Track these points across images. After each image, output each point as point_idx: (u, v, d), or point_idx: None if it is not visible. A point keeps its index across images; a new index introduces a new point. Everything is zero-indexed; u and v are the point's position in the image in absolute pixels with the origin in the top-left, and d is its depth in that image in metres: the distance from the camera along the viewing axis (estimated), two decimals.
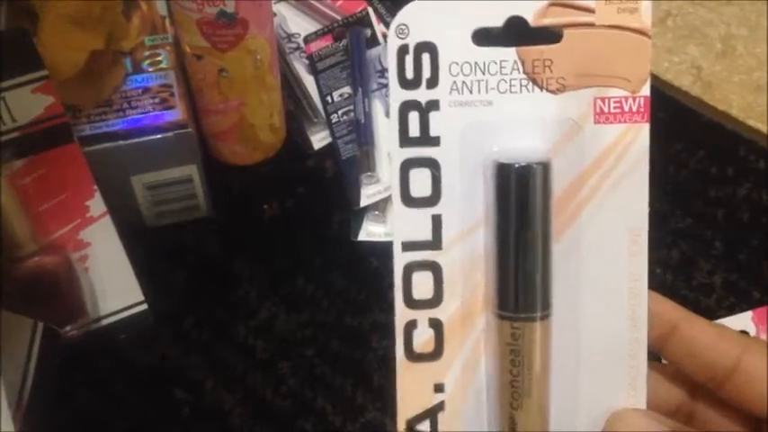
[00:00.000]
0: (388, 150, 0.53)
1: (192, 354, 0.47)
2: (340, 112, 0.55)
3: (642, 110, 0.27)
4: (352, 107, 0.55)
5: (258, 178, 0.54)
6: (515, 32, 0.27)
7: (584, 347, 0.28)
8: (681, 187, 0.54)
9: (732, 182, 0.54)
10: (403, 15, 0.27)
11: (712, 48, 0.61)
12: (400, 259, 0.28)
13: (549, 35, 0.27)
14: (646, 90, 0.27)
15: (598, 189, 0.28)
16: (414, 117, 0.28)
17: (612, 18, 0.27)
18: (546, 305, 0.28)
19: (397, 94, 0.27)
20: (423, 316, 0.28)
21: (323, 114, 0.55)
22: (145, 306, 0.47)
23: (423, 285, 0.28)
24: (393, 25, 0.27)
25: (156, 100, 0.48)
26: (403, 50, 0.27)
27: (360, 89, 0.54)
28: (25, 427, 0.39)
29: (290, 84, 0.57)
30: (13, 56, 0.42)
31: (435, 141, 0.28)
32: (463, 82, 0.27)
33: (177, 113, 0.47)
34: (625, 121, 0.27)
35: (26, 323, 0.42)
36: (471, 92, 0.27)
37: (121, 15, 0.49)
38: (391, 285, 0.51)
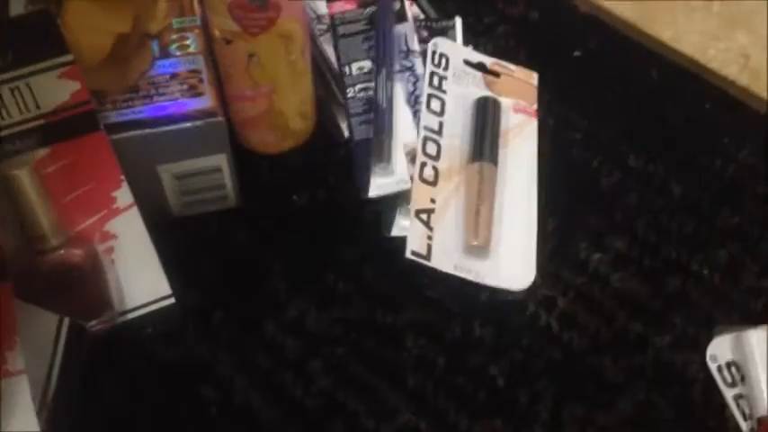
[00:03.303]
0: (404, 141, 0.51)
1: (220, 350, 0.45)
2: (357, 87, 0.51)
3: None
4: (370, 84, 0.51)
5: (288, 167, 0.52)
6: None
7: None
8: (727, 183, 0.52)
9: None
10: None
11: (761, 36, 0.59)
12: None
13: None
14: None
15: None
16: None
17: None
18: None
19: None
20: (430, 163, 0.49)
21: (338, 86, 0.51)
22: (172, 300, 0.46)
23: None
24: None
25: (185, 86, 0.46)
26: None
27: (384, 70, 0.51)
28: (50, 422, 0.38)
29: (319, 68, 0.55)
30: (38, 40, 0.40)
31: None
32: None
33: (207, 101, 0.46)
34: None
35: (52, 318, 0.41)
36: None
37: None
38: (426, 284, 0.49)
